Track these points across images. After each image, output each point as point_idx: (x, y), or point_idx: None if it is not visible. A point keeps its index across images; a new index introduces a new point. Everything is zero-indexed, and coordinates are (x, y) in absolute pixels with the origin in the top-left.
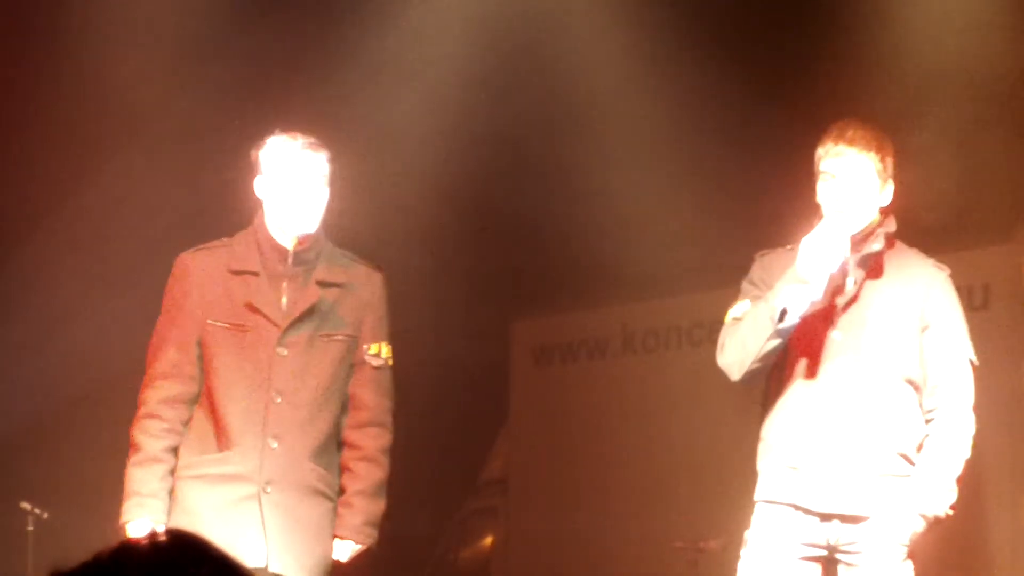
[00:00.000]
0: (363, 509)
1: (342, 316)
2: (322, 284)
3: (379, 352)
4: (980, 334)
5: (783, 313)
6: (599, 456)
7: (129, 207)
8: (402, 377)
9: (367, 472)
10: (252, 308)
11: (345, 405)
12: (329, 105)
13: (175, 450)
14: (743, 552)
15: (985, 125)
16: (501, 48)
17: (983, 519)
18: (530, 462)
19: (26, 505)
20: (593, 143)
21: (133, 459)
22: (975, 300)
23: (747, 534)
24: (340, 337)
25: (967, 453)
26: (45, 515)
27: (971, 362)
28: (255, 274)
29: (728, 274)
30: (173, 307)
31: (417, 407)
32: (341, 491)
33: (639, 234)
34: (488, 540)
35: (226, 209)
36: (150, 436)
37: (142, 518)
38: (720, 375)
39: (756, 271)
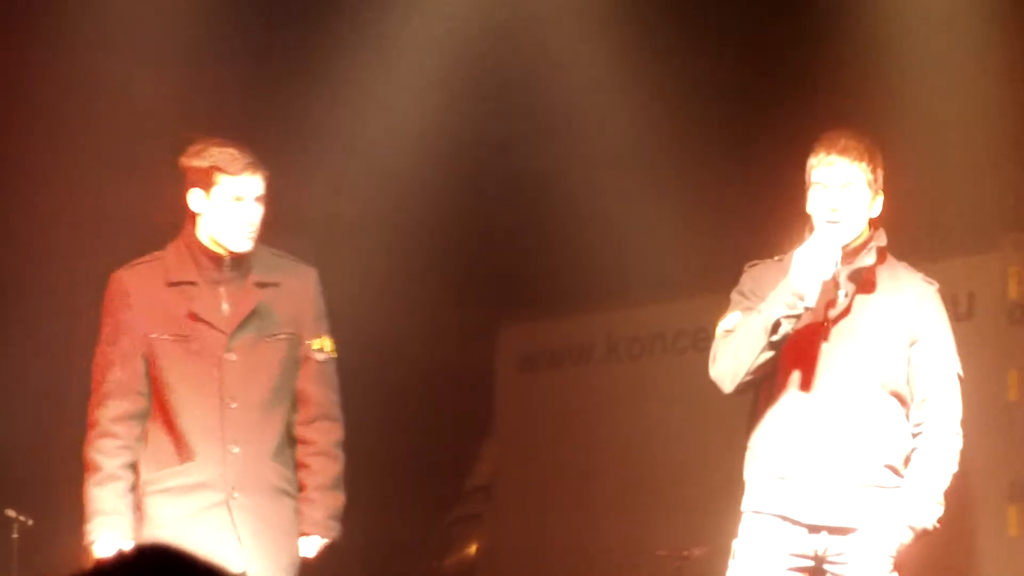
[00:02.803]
0: (324, 503)
1: (282, 315)
2: (259, 285)
3: (322, 347)
4: (965, 343)
5: (776, 325)
6: (584, 463)
7: (125, 213)
8: (388, 383)
9: (323, 466)
10: (195, 317)
11: (294, 402)
12: (316, 111)
13: (132, 466)
14: (731, 562)
15: (970, 134)
16: (488, 54)
17: (969, 529)
18: (515, 469)
19: (11, 512)
20: (579, 151)
21: (91, 480)
22: (960, 309)
23: (735, 544)
24: (283, 336)
25: (955, 467)
26: (30, 522)
27: (959, 376)
28: (193, 284)
29: (713, 282)
30: (113, 325)
31: (402, 413)
32: (300, 488)
33: (624, 241)
34: (473, 547)
35: None
36: (105, 455)
37: (108, 536)
38: (704, 382)
39: (746, 282)
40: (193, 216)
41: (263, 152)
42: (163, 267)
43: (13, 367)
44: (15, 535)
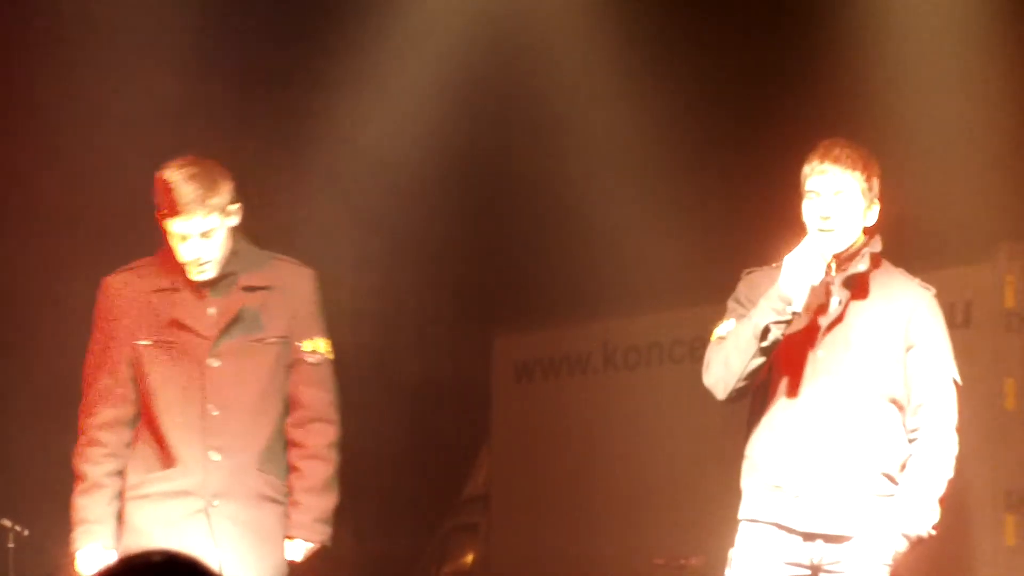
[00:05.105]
0: (312, 506)
1: (271, 318)
2: (248, 289)
3: (315, 348)
4: (962, 352)
5: (765, 331)
6: (580, 472)
7: (110, 217)
8: (384, 392)
9: (313, 469)
10: (178, 324)
11: (287, 405)
12: (311, 121)
13: (119, 473)
14: (727, 571)
15: (966, 144)
16: (484, 67)
17: (965, 537)
18: (511, 478)
19: (6, 522)
20: (576, 162)
21: (77, 488)
22: (957, 318)
23: (731, 552)
24: (272, 340)
25: (950, 473)
26: (26, 532)
27: (955, 382)
28: (177, 290)
29: (709, 291)
30: (100, 332)
31: (398, 423)
32: (289, 490)
33: (620, 251)
34: (469, 557)
35: None
36: (91, 463)
37: (91, 545)
38: (701, 392)
39: (742, 289)
40: None
41: (260, 159)
42: (149, 273)
43: (10, 376)
44: (11, 545)
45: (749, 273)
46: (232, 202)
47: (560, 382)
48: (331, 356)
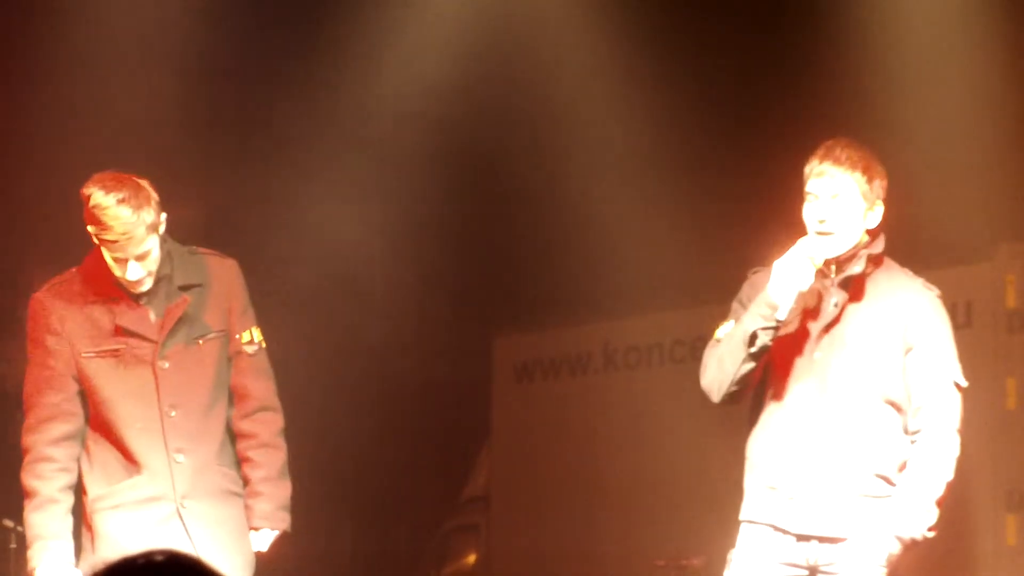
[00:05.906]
0: (273, 495)
1: (210, 315)
2: (184, 289)
3: (251, 338)
4: (962, 352)
5: (753, 337)
6: (581, 473)
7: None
8: (384, 392)
9: (268, 458)
10: (122, 331)
11: (231, 398)
12: (313, 122)
13: (71, 488)
14: (726, 572)
15: (966, 144)
16: (484, 67)
17: (966, 537)
18: (512, 479)
19: (8, 523)
20: (576, 162)
21: (30, 505)
22: (957, 318)
23: (730, 554)
24: (213, 336)
25: (950, 475)
26: None
27: (957, 384)
28: (115, 297)
29: (710, 291)
30: (39, 350)
31: (399, 423)
32: (245, 481)
33: (621, 252)
34: (470, 557)
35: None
36: (43, 479)
37: (50, 561)
38: (702, 392)
39: (745, 290)
40: None
41: (261, 159)
42: (82, 284)
43: (10, 375)
44: (13, 545)
45: (754, 272)
46: (159, 213)
47: (560, 382)
48: (264, 344)
